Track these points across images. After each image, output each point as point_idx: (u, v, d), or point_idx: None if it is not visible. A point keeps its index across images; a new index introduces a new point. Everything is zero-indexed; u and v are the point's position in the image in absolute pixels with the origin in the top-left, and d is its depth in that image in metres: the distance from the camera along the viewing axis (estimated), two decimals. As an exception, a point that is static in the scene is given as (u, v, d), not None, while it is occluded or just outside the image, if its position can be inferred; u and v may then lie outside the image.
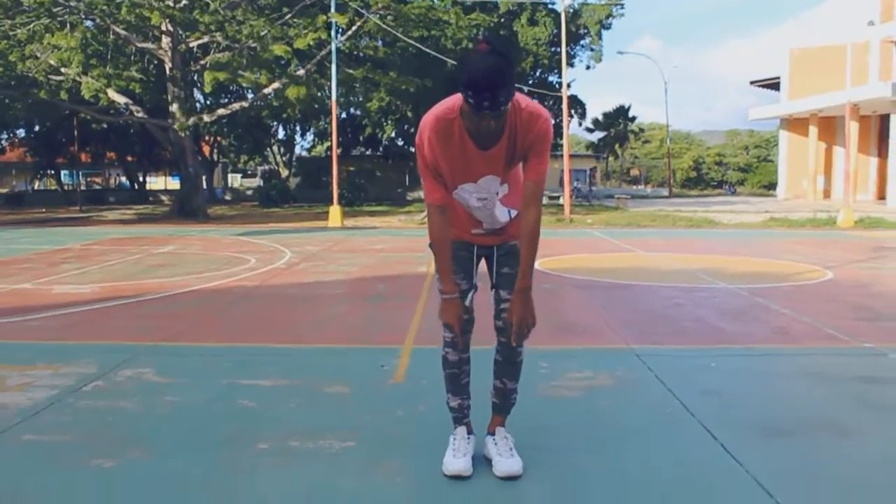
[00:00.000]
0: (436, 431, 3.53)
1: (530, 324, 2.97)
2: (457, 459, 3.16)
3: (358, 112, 35.67)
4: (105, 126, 34.85)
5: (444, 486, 3.07)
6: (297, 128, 44.02)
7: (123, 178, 49.73)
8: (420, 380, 4.67)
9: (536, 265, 10.69)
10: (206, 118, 26.70)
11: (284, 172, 44.80)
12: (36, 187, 47.74)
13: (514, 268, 3.07)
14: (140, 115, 25.97)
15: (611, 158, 60.47)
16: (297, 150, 47.41)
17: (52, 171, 45.27)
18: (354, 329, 6.40)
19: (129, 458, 3.37)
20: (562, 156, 26.58)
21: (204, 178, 34.79)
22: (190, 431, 3.74)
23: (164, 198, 40.99)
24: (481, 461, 3.27)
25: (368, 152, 43.35)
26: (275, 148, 46.22)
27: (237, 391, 4.44)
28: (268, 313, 7.22)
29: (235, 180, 58.27)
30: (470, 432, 3.29)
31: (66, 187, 43.48)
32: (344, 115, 38.27)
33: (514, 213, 3.08)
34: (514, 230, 3.11)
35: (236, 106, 28.04)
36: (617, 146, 56.86)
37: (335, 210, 22.04)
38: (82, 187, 42.25)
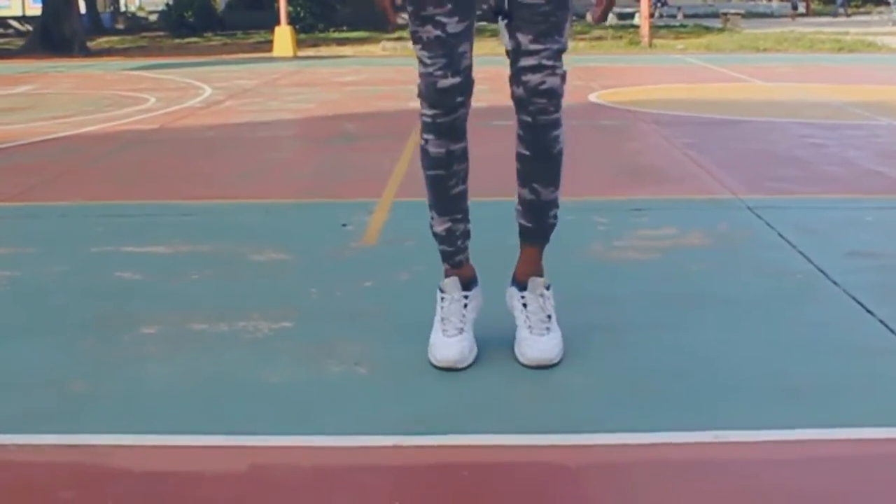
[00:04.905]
0: (425, 304, 3.37)
1: None
2: (448, 339, 3.00)
3: None
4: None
5: (428, 381, 2.93)
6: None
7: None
8: (404, 241, 4.59)
9: (592, 97, 10.53)
10: None
11: (207, -15, 44.01)
12: None
13: None
14: None
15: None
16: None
17: None
18: (303, 179, 6.42)
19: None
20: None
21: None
22: (33, 313, 3.67)
23: (20, 25, 40.52)
24: (496, 338, 3.13)
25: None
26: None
27: (112, 261, 4.37)
28: (170, 163, 7.27)
29: (132, 1, 57.51)
30: (469, 284, 3.13)
31: None
32: None
33: None
34: None
35: None
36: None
37: (283, 33, 21.87)
38: None
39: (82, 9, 33.02)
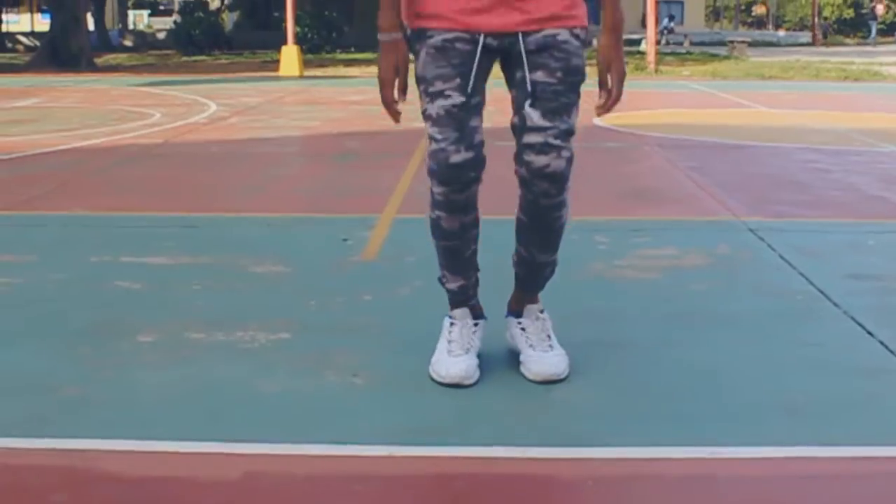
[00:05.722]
0: (424, 318, 3.40)
1: (623, 76, 2.94)
2: (454, 359, 2.98)
3: None
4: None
5: (426, 393, 2.92)
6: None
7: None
8: (404, 257, 4.60)
9: (597, 120, 10.60)
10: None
11: (215, 3, 44.21)
12: None
13: (553, 72, 2.81)
14: None
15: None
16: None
17: None
18: (307, 194, 6.46)
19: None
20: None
21: (90, 14, 34.37)
22: (32, 319, 3.68)
23: (28, 41, 40.72)
24: (495, 356, 3.13)
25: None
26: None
27: (112, 270, 4.39)
28: (173, 176, 7.32)
29: (140, 19, 57.78)
30: (478, 316, 3.13)
31: None
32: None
33: None
34: (555, 3, 2.82)
35: None
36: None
37: (290, 52, 21.93)
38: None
39: (90, 25, 33.19)
